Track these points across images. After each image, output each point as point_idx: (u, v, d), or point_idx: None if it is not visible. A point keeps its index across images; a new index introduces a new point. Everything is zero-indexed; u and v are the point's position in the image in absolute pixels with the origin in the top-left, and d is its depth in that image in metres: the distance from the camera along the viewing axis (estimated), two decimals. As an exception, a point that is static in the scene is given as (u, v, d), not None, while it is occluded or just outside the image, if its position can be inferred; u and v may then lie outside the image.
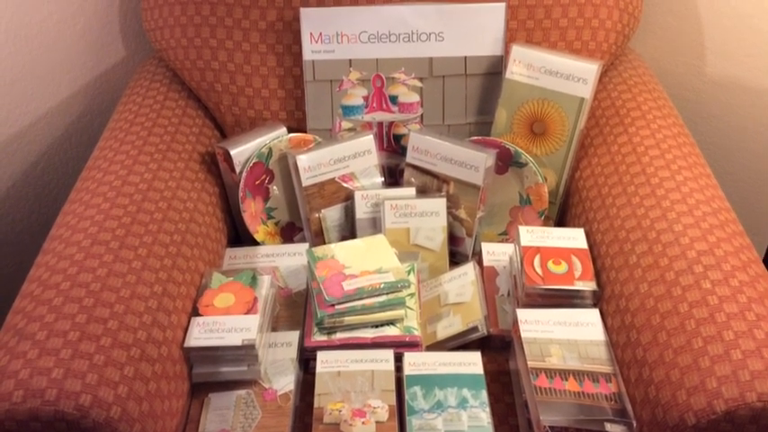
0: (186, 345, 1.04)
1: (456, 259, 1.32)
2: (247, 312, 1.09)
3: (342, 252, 1.20)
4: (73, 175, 1.39)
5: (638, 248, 1.09)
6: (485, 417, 1.00)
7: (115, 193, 1.15)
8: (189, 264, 1.13)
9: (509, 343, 1.14)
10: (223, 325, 1.06)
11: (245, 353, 1.05)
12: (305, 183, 1.28)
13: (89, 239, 1.07)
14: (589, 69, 1.25)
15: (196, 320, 1.07)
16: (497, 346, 1.16)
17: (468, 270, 1.22)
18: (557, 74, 1.26)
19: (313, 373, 1.08)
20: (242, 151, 1.29)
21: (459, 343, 1.15)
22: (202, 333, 1.05)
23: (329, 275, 1.15)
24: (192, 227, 1.18)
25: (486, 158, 1.25)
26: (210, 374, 1.06)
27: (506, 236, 1.32)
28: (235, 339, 1.04)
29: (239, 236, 1.36)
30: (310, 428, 1.00)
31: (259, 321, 1.07)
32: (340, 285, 1.13)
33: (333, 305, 1.12)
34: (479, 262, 1.26)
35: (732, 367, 0.89)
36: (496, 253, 1.27)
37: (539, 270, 1.13)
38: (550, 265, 1.14)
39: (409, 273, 1.22)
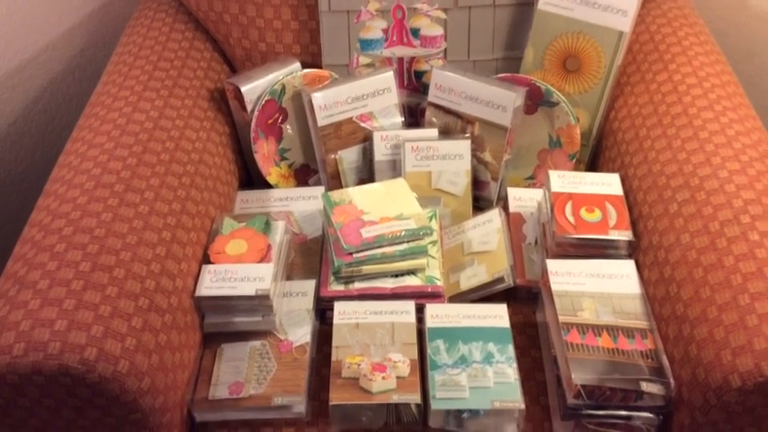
0: (197, 294, 0.99)
1: (480, 204, 1.25)
2: (261, 261, 1.03)
3: (360, 196, 1.13)
4: (77, 110, 1.32)
5: (679, 196, 1.01)
6: (511, 373, 0.95)
7: (119, 132, 1.08)
8: (199, 208, 1.07)
9: (536, 294, 1.08)
10: (235, 273, 1.00)
11: (259, 303, 0.99)
12: (320, 122, 1.20)
13: (92, 181, 1.00)
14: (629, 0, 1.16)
15: (207, 268, 1.01)
16: (524, 297, 1.10)
17: (494, 217, 1.15)
18: (594, 5, 1.17)
19: (330, 324, 1.03)
20: (253, 88, 1.21)
21: (484, 294, 1.09)
22: (214, 282, 1.00)
23: (347, 222, 1.09)
24: (201, 169, 1.12)
25: (514, 98, 1.16)
26: (223, 325, 1.01)
27: (534, 180, 1.25)
28: (248, 289, 0.98)
29: (251, 178, 1.29)
30: (327, 381, 0.96)
31: (273, 270, 1.01)
32: (358, 232, 1.07)
33: (351, 254, 1.06)
34: (505, 208, 1.19)
35: (782, 326, 0.83)
36: (523, 198, 1.19)
37: (570, 218, 1.06)
38: (583, 212, 1.07)
39: (431, 219, 1.15)
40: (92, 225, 0.94)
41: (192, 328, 0.97)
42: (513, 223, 1.16)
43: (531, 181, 1.25)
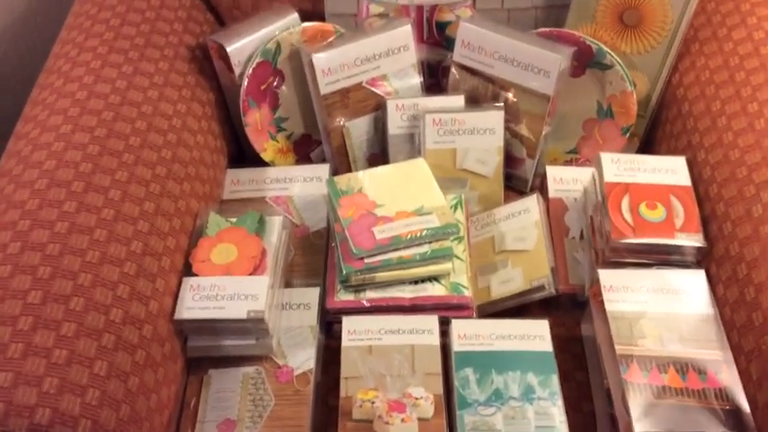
0: (177, 317, 0.82)
1: (511, 184, 1.06)
2: (254, 271, 0.86)
3: (372, 184, 0.95)
4: (41, 61, 1.10)
5: (765, 195, 0.82)
6: (556, 413, 0.79)
7: (79, 111, 0.89)
8: (178, 205, 0.89)
9: (582, 303, 0.91)
10: (223, 289, 0.83)
11: (253, 326, 0.83)
12: (323, 90, 1.00)
13: (45, 179, 0.82)
14: (707, -63, 0.93)
15: (189, 283, 0.84)
16: (566, 305, 0.93)
17: (531, 205, 0.97)
18: (662, -56, 0.94)
19: (337, 338, 0.87)
20: (242, 47, 1.00)
21: (519, 303, 0.92)
22: (197, 300, 0.83)
23: (356, 217, 0.91)
24: (180, 153, 0.93)
25: (560, 61, 0.95)
26: (210, 349, 0.85)
27: (577, 155, 1.06)
28: (238, 311, 0.82)
29: (243, 151, 1.10)
30: (335, 413, 0.80)
31: (269, 282, 0.84)
32: (370, 232, 0.89)
33: (362, 258, 0.88)
34: (542, 189, 1.01)
35: None
36: (565, 180, 1.01)
37: (628, 216, 0.88)
38: (643, 209, 0.88)
39: (455, 208, 0.97)
40: (43, 239, 0.77)
41: (171, 358, 0.81)
42: (553, 212, 0.98)
43: (574, 155, 1.06)
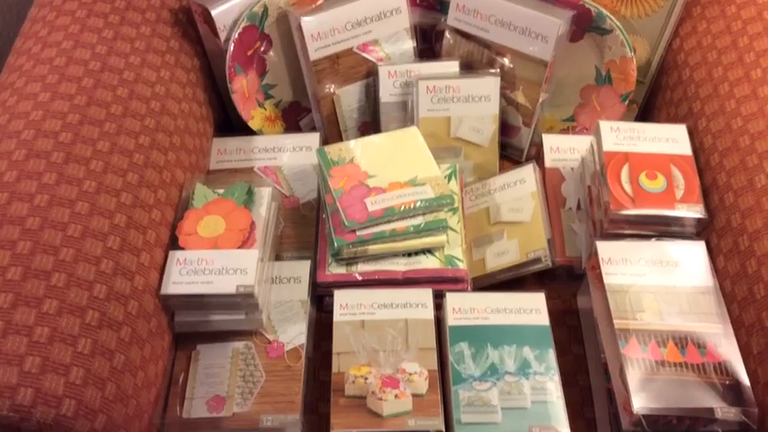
0: (163, 292, 0.80)
1: (507, 153, 1.03)
2: (242, 245, 0.83)
3: (364, 154, 0.92)
4: (19, 23, 1.05)
5: (768, 165, 0.80)
6: (553, 388, 0.77)
7: (58, 78, 0.85)
8: (162, 175, 0.86)
9: (578, 275, 0.89)
10: (211, 263, 0.81)
11: (242, 301, 0.80)
12: (313, 56, 0.96)
13: (23, 149, 0.78)
14: None
15: (175, 256, 0.82)
16: (562, 276, 0.91)
17: (527, 175, 0.94)
18: None
19: (329, 312, 0.85)
20: (227, 10, 0.96)
21: (515, 275, 0.90)
22: (184, 275, 0.80)
23: (348, 188, 0.88)
24: (164, 122, 0.89)
25: (559, 25, 0.92)
26: (198, 324, 0.83)
27: (574, 123, 1.03)
28: (227, 285, 0.79)
29: (230, 119, 1.06)
30: (327, 389, 0.78)
31: (258, 256, 0.81)
32: (362, 204, 0.87)
33: (354, 231, 0.86)
34: (538, 159, 0.98)
35: None
36: (562, 149, 0.98)
37: (627, 187, 0.85)
38: (643, 179, 0.86)
39: (449, 178, 0.94)
40: (22, 213, 0.74)
41: (157, 334, 0.79)
42: (549, 182, 0.96)
43: (571, 123, 1.03)
